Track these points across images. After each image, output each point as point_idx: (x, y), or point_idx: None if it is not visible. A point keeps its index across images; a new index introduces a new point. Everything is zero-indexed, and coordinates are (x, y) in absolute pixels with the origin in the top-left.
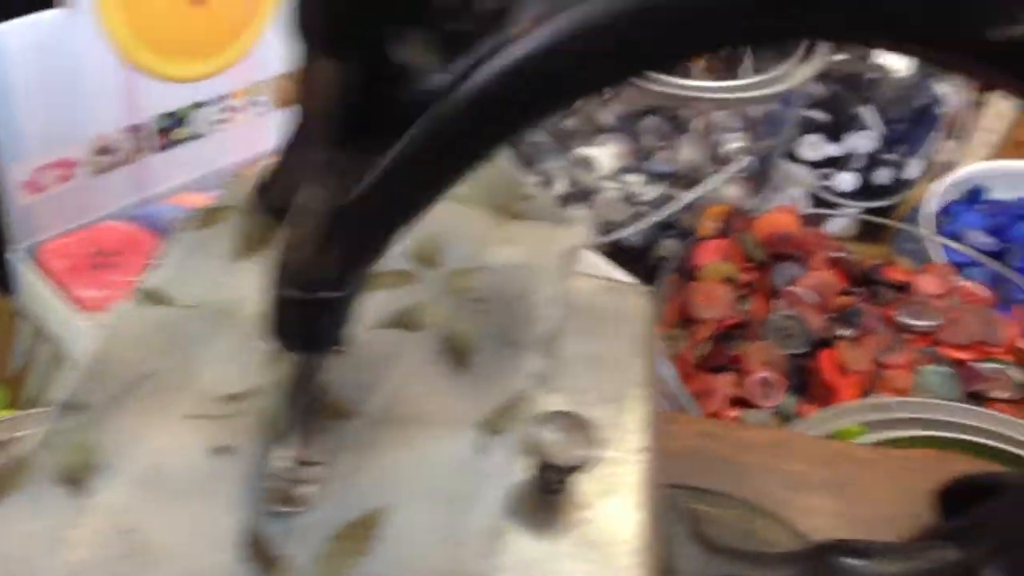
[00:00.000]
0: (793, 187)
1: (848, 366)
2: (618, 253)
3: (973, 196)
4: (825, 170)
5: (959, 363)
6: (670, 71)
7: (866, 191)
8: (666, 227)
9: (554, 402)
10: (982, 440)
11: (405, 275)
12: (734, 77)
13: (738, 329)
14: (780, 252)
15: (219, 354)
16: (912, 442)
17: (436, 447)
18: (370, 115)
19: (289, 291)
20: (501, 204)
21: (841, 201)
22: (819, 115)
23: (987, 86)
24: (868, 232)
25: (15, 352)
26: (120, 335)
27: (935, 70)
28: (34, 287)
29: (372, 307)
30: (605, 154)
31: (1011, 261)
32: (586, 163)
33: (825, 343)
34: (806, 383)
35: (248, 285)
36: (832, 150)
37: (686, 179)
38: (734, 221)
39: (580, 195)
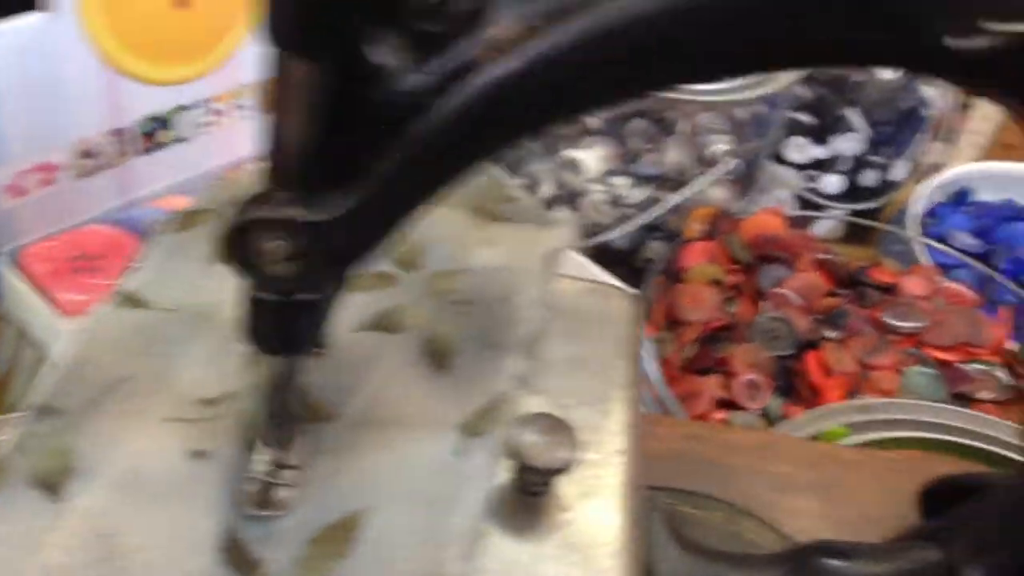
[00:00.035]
0: (779, 189)
1: (834, 368)
2: (605, 255)
3: (959, 198)
4: (811, 172)
5: (944, 364)
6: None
7: (852, 193)
8: (652, 229)
9: (536, 404)
10: (967, 441)
11: (386, 277)
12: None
13: (724, 331)
14: (766, 254)
15: (197, 357)
16: (898, 443)
17: (416, 449)
18: (345, 116)
19: (265, 294)
20: (483, 207)
21: (827, 203)
22: (805, 117)
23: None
24: (854, 234)
25: None
26: (97, 338)
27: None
28: (17, 291)
29: (353, 309)
30: (592, 157)
31: (997, 263)
32: (573, 166)
33: (811, 345)
34: (792, 385)
35: (226, 288)
36: (818, 152)
37: (672, 181)
38: (720, 223)
39: (567, 198)
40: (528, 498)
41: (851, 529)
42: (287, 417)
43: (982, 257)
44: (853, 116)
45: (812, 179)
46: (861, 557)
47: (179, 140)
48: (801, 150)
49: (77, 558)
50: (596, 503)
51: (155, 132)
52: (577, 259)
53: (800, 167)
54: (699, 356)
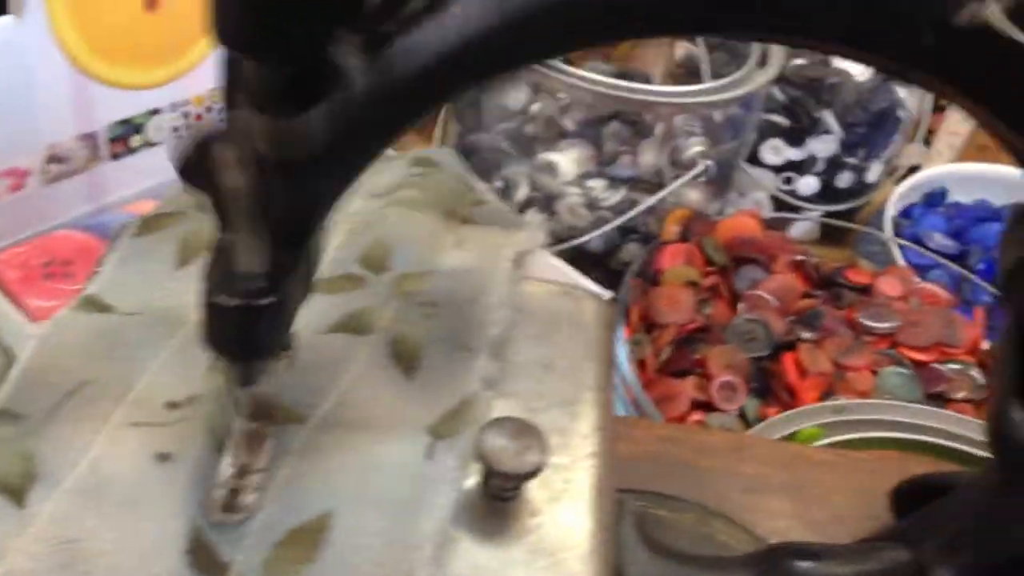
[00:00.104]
0: (755, 191)
1: (809, 368)
2: (581, 258)
3: (934, 199)
4: (787, 174)
5: (920, 365)
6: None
7: (828, 194)
8: (629, 232)
9: (505, 408)
10: (943, 441)
11: (354, 279)
12: (695, 81)
13: (700, 333)
14: (742, 256)
15: (161, 361)
16: (873, 444)
17: (385, 452)
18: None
19: (222, 298)
20: (452, 209)
21: (803, 205)
22: (780, 119)
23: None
24: (830, 235)
25: None
26: (60, 343)
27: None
28: None
29: (321, 311)
30: (567, 159)
31: (972, 263)
32: (549, 168)
33: (787, 346)
34: (769, 386)
35: (190, 291)
36: (793, 154)
37: (648, 184)
38: (696, 225)
39: (543, 200)
40: (497, 503)
41: (823, 530)
42: (252, 420)
43: (957, 258)
44: (828, 118)
45: (788, 181)
46: (831, 559)
47: (150, 145)
48: (776, 152)
49: (42, 564)
50: (566, 507)
51: (126, 137)
52: (553, 262)
53: (775, 169)
54: (675, 358)
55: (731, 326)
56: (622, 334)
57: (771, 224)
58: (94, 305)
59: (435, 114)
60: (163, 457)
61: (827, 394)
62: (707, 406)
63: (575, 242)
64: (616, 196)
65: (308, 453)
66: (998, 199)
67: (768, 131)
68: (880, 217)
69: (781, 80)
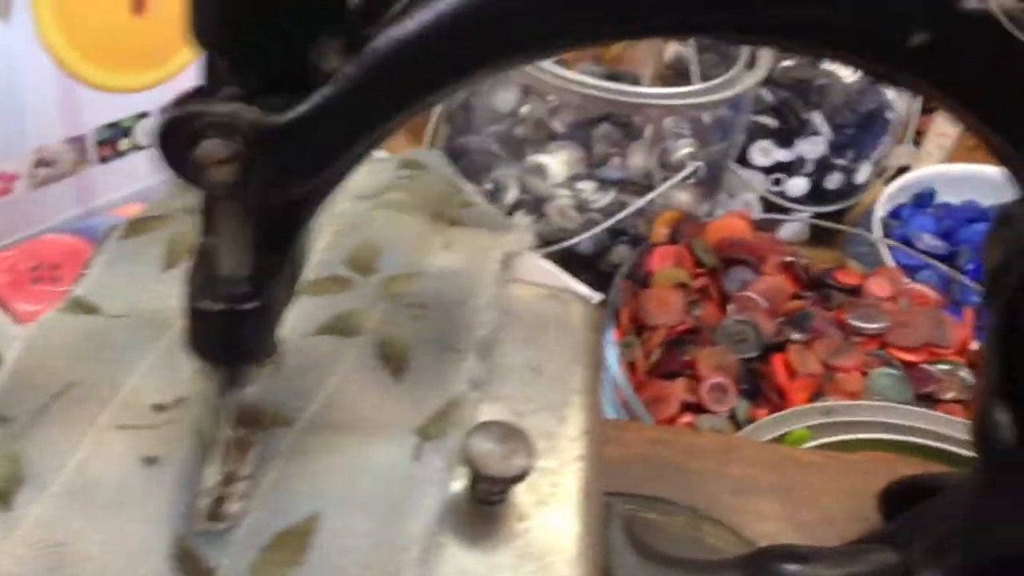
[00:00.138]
0: (744, 192)
1: (799, 370)
2: (571, 260)
3: (923, 200)
4: (776, 175)
5: (909, 365)
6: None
7: (817, 196)
8: (618, 234)
9: (492, 411)
10: (932, 443)
11: (341, 281)
12: (684, 83)
13: (690, 335)
14: (732, 257)
15: (148, 363)
16: (862, 445)
17: (372, 454)
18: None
19: (206, 303)
20: (440, 211)
21: (792, 206)
22: (769, 121)
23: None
24: (819, 236)
25: None
26: (47, 345)
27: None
28: None
29: (308, 313)
30: (557, 161)
31: (961, 264)
32: (538, 170)
33: (777, 347)
34: (759, 387)
35: (177, 294)
36: (783, 155)
37: (638, 186)
38: (686, 227)
39: (532, 203)
40: (484, 507)
41: (812, 531)
42: (238, 425)
43: (946, 258)
44: (817, 119)
45: (777, 182)
46: (819, 561)
47: (138, 148)
48: (765, 153)
49: (28, 567)
50: (553, 511)
51: (114, 140)
52: (543, 264)
53: (765, 170)
54: (665, 360)
55: (721, 327)
56: (612, 336)
57: (760, 225)
58: (81, 307)
59: (426, 115)
60: (150, 461)
61: (817, 395)
62: (697, 408)
63: (565, 244)
64: (606, 198)
65: (295, 456)
66: (987, 200)
67: (757, 133)
68: (869, 218)
69: (770, 82)
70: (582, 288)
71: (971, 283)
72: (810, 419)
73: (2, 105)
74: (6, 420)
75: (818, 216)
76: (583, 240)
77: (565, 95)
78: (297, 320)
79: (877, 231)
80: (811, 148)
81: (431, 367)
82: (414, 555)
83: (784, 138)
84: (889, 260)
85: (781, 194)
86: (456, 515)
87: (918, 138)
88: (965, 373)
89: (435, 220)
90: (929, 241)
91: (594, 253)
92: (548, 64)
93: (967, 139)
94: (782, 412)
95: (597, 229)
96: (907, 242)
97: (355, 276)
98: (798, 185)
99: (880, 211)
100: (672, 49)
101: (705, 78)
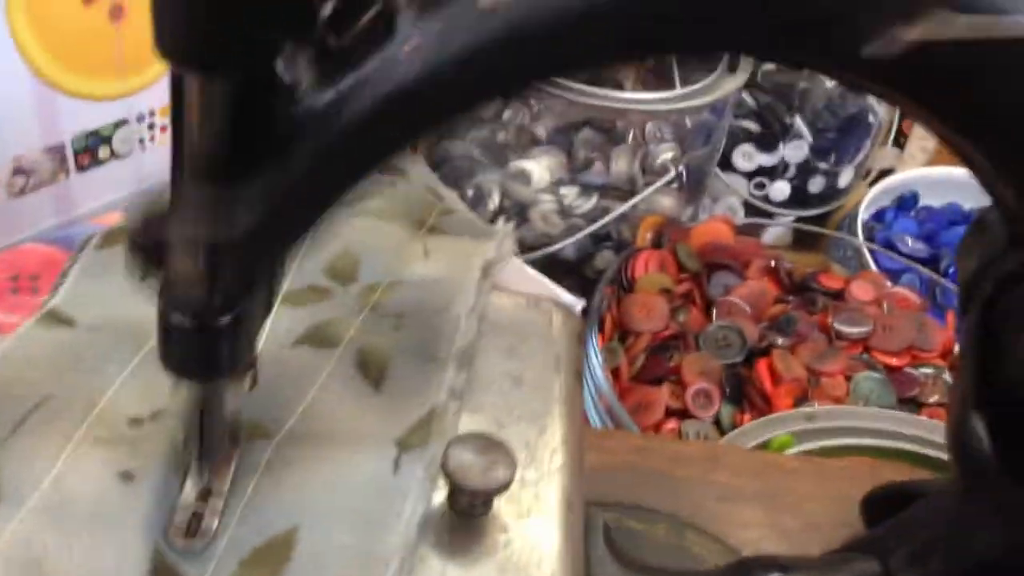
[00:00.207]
0: (727, 197)
1: (783, 374)
2: (554, 266)
3: (906, 203)
4: (759, 179)
5: (893, 369)
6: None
7: (800, 199)
8: (602, 239)
9: (473, 422)
10: (915, 447)
11: (320, 291)
12: (666, 88)
13: (674, 340)
14: (715, 262)
15: (124, 376)
16: (847, 451)
17: (351, 465)
18: (247, 136)
19: (176, 317)
20: (420, 218)
21: (776, 210)
22: (752, 125)
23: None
24: (803, 240)
25: None
26: (24, 356)
27: None
28: None
29: (287, 323)
30: (539, 167)
31: (943, 267)
32: (521, 176)
33: (761, 352)
34: (744, 392)
35: (152, 306)
36: (765, 160)
37: (620, 191)
38: (669, 232)
39: (515, 208)
40: (465, 519)
41: (797, 538)
42: (215, 438)
43: (929, 261)
44: (799, 123)
45: (760, 187)
46: (801, 571)
47: (117, 156)
48: (748, 158)
49: None
50: (535, 522)
51: (93, 148)
52: (526, 270)
53: (747, 175)
54: (650, 365)
55: (705, 333)
56: (596, 342)
57: (744, 230)
58: (57, 319)
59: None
60: (126, 476)
61: (802, 399)
62: (682, 413)
63: (548, 250)
64: (589, 203)
65: (274, 468)
66: (969, 203)
67: (739, 137)
68: (852, 221)
69: (752, 86)
70: (565, 294)
71: (953, 287)
72: (794, 424)
73: None
74: None
75: (801, 220)
76: (566, 246)
77: (547, 100)
78: (276, 331)
79: (860, 235)
80: (793, 152)
81: (411, 377)
82: (394, 568)
83: (766, 142)
84: (872, 264)
85: (764, 198)
86: (437, 527)
87: (900, 141)
88: (948, 377)
89: (415, 228)
90: (912, 244)
91: (577, 259)
92: None
93: None
94: (767, 417)
95: (580, 235)
96: (890, 245)
97: (334, 286)
98: (781, 189)
99: (863, 214)
100: None
101: (686, 83)
